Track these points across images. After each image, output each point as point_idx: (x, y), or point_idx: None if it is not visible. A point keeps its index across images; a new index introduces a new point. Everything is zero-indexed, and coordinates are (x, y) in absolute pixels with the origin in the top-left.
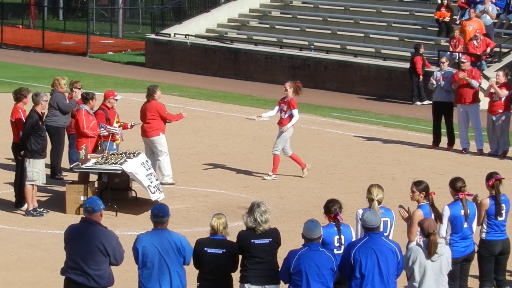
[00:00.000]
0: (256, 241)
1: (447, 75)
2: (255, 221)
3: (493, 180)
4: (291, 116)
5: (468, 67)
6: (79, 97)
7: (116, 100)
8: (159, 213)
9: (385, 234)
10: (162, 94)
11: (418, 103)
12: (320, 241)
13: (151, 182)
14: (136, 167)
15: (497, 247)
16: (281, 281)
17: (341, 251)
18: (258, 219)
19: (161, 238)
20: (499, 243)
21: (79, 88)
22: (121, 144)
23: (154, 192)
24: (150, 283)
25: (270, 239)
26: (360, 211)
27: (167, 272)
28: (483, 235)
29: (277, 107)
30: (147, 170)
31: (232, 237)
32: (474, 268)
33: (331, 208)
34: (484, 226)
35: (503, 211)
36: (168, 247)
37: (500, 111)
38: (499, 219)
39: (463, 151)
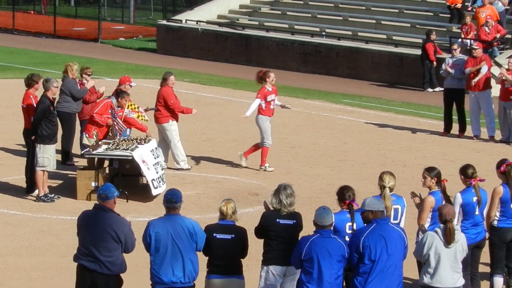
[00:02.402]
0: (281, 221)
1: (459, 62)
2: (280, 203)
3: (504, 166)
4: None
5: (480, 53)
6: (92, 84)
7: (131, 86)
8: (172, 199)
9: (396, 222)
10: None
11: (430, 90)
12: (332, 228)
13: (157, 173)
14: (145, 154)
15: (509, 234)
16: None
17: None
18: (284, 201)
19: (174, 223)
20: (511, 230)
21: (89, 75)
22: (133, 129)
23: (157, 187)
24: (163, 269)
25: (294, 221)
26: None
27: (180, 257)
28: (495, 222)
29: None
30: (155, 158)
31: (242, 223)
32: (485, 255)
33: (346, 195)
34: (497, 213)
35: None
36: (181, 232)
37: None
38: None
39: (475, 138)
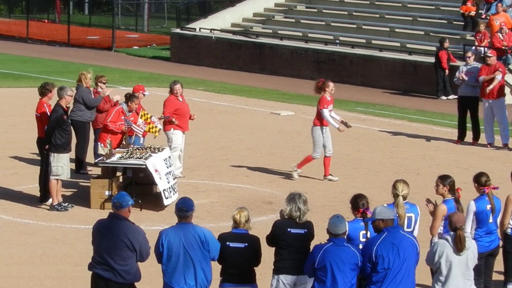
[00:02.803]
0: (293, 230)
1: (473, 70)
2: (299, 210)
3: None
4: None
5: (494, 61)
6: (106, 93)
7: (144, 95)
8: (183, 208)
9: (410, 230)
10: (187, 88)
11: (444, 97)
12: (345, 236)
13: (168, 182)
14: (158, 163)
15: None
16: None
17: None
18: (302, 208)
19: (186, 232)
20: None
21: (104, 83)
22: (147, 138)
23: (168, 198)
24: (175, 278)
25: (306, 230)
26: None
27: (191, 266)
28: (509, 230)
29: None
30: (167, 168)
31: (257, 232)
32: (499, 263)
33: (359, 203)
34: (510, 221)
35: None
36: (193, 240)
37: None
38: None
39: (488, 146)
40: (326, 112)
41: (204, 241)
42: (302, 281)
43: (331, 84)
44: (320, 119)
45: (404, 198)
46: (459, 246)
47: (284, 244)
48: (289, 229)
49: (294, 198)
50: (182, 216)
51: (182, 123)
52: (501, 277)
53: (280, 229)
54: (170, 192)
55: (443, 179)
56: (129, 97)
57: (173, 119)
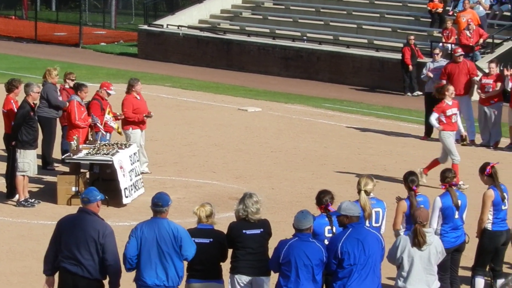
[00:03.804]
0: (248, 232)
1: (440, 67)
2: (246, 211)
3: (490, 168)
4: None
5: (461, 59)
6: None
7: (109, 94)
8: (159, 203)
9: (377, 225)
10: (155, 85)
11: (410, 94)
12: (311, 231)
13: (130, 180)
14: (124, 159)
15: (501, 238)
16: (271, 271)
17: None
18: (249, 208)
19: (160, 227)
20: (504, 234)
21: (73, 80)
22: (114, 134)
23: (128, 196)
24: (147, 271)
25: (262, 230)
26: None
27: (164, 261)
28: (489, 226)
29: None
30: (131, 164)
31: (223, 228)
32: (465, 258)
33: (323, 199)
34: (490, 217)
35: (506, 200)
36: (166, 235)
37: (492, 102)
38: (503, 208)
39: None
40: (434, 116)
41: (177, 236)
42: (258, 282)
43: (451, 88)
44: (447, 124)
45: (367, 193)
46: (415, 240)
47: (240, 246)
48: (244, 231)
49: (244, 198)
50: (157, 211)
51: (140, 121)
52: (468, 273)
53: (235, 231)
54: (131, 190)
55: (406, 176)
56: (77, 87)
57: (149, 114)
